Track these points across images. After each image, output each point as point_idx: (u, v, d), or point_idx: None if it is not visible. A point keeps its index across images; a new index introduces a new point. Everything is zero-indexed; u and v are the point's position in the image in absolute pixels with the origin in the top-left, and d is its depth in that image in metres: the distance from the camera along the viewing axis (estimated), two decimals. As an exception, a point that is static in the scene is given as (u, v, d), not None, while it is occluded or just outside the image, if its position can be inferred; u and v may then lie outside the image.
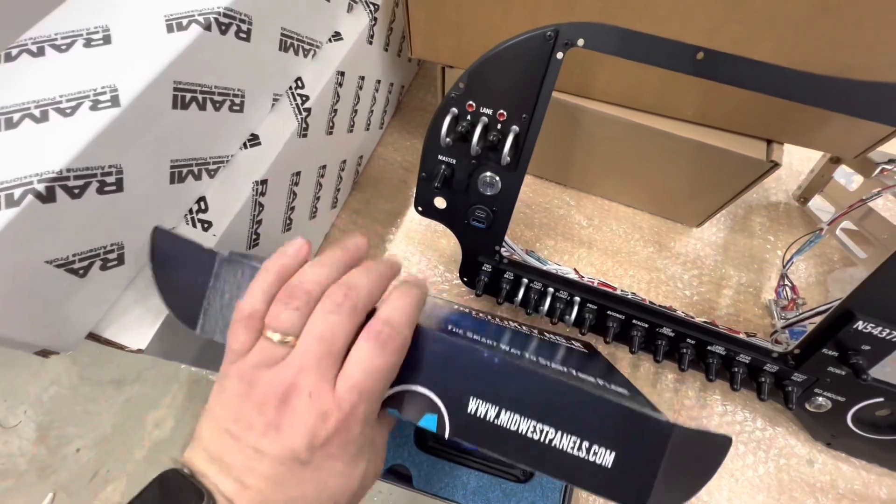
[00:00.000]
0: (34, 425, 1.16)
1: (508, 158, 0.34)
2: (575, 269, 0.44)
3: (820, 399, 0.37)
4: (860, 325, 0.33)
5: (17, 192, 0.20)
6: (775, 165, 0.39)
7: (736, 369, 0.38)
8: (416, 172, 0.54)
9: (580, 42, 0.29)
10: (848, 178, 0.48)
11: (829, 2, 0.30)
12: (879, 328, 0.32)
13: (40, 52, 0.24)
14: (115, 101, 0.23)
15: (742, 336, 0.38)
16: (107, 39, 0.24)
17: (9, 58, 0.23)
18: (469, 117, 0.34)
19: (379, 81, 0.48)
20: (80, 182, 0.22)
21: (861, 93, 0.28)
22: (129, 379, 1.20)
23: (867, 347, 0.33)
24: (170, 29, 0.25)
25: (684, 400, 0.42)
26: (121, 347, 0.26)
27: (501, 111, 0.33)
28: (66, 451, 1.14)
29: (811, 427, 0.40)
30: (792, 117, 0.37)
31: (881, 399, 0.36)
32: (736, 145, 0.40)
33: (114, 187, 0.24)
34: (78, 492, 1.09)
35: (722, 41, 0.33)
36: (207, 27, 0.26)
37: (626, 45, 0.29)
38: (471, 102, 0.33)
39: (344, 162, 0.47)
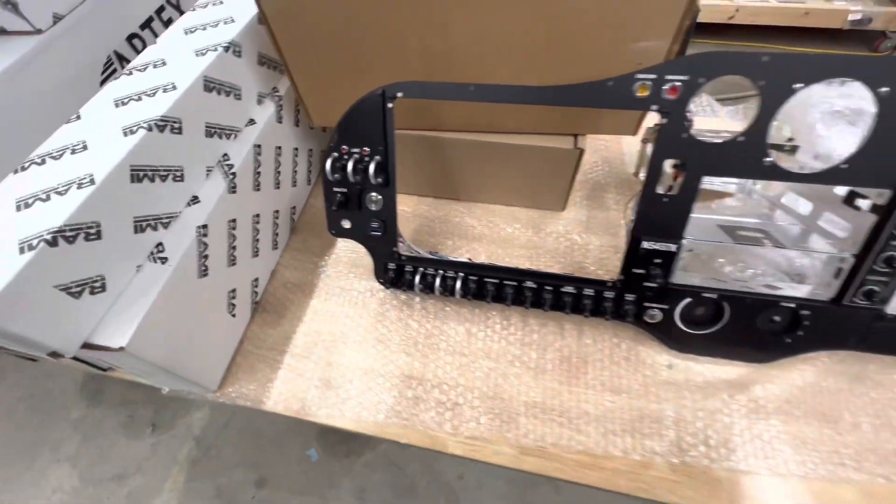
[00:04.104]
0: (40, 538, 1.17)
1: (379, 179, 0.48)
2: (468, 258, 0.56)
3: (652, 311, 0.48)
4: (645, 244, 0.45)
5: (34, 241, 0.33)
6: (582, 152, 0.54)
7: (585, 302, 0.49)
8: (340, 212, 0.68)
9: (400, 94, 0.44)
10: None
11: (552, 41, 0.46)
12: (658, 244, 0.45)
13: (43, 162, 0.38)
14: (91, 181, 0.36)
15: (583, 276, 0.50)
16: (84, 147, 0.38)
17: (23, 168, 0.37)
18: (345, 157, 0.48)
19: (297, 149, 0.63)
20: (73, 233, 0.35)
21: (592, 91, 0.42)
22: (130, 471, 1.23)
23: (658, 260, 0.46)
24: (125, 134, 0.39)
25: (557, 341, 0.53)
26: (106, 349, 0.37)
27: (365, 148, 0.47)
28: (75, 560, 1.14)
29: (662, 339, 0.51)
30: (579, 118, 0.53)
31: (690, 299, 0.47)
32: (552, 143, 0.54)
33: (95, 236, 0.36)
34: None
35: (505, 78, 0.49)
36: (150, 129, 0.40)
37: (426, 90, 0.44)
38: (344, 146, 0.48)
39: (277, 212, 0.60)
